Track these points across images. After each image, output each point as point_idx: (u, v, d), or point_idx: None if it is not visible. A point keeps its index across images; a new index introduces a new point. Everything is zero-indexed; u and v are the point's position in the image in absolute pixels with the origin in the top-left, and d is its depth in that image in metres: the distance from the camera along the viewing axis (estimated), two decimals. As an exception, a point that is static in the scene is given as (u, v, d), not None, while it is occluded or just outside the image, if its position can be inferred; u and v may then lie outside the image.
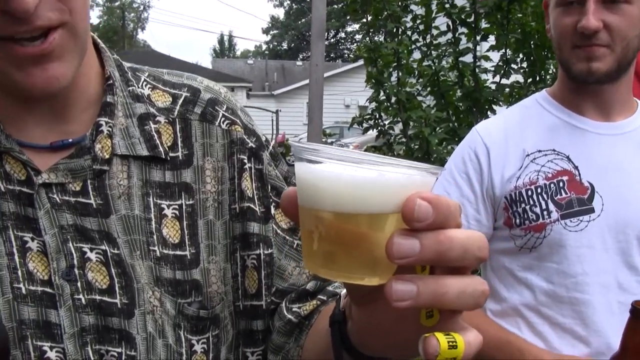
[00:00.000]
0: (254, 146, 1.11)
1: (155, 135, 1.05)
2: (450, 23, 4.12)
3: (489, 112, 4.01)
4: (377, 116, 4.42)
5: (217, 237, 1.06)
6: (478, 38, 4.05)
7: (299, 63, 47.15)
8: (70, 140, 0.99)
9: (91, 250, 0.97)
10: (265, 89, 36.70)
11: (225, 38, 72.61)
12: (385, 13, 4.21)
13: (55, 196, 0.96)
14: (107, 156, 1.00)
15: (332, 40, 58.68)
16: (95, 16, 60.01)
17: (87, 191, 0.98)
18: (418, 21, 4.30)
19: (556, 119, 1.75)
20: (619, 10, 1.61)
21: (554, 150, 1.73)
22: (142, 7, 62.26)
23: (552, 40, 1.75)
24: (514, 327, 1.74)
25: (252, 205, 1.09)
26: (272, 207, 1.11)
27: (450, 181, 1.79)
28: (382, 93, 4.21)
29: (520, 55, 4.24)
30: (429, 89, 4.15)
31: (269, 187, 1.11)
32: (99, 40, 1.07)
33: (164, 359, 1.00)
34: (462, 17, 4.05)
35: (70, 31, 0.91)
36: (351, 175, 0.59)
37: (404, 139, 4.07)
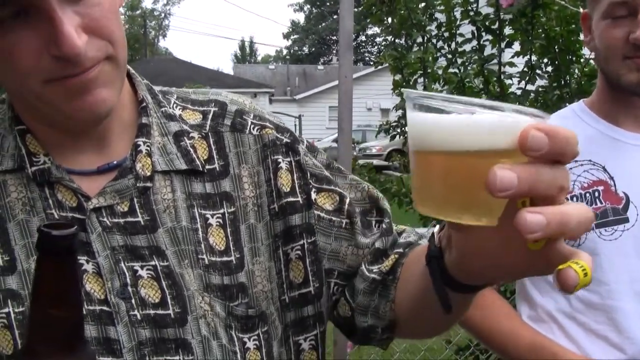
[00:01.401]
0: (288, 141, 1.19)
1: (191, 150, 1.14)
2: (475, 30, 4.16)
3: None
4: (404, 123, 4.47)
5: (260, 238, 1.14)
6: (503, 45, 4.07)
7: (320, 67, 47.32)
8: (115, 162, 1.08)
9: (142, 267, 1.05)
10: (287, 94, 36.81)
11: (246, 44, 72.86)
12: (410, 22, 4.25)
13: (105, 219, 1.05)
14: (148, 173, 1.08)
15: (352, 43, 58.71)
16: (117, 25, 60.72)
17: (135, 209, 1.06)
18: (443, 29, 4.33)
19: (593, 129, 1.80)
20: None
21: (590, 160, 1.78)
22: (163, 15, 62.67)
23: (595, 52, 1.78)
24: (548, 332, 1.79)
25: (290, 199, 1.17)
26: (312, 192, 1.18)
27: None
28: (408, 101, 4.24)
29: (545, 60, 4.26)
30: (455, 95, 4.17)
31: (309, 174, 1.19)
32: (129, 67, 1.15)
33: (221, 359, 1.07)
34: (487, 24, 4.08)
35: (114, 62, 1.00)
36: (465, 117, 0.66)
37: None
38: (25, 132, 1.07)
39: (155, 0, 63.02)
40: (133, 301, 1.04)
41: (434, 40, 4.38)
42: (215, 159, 1.15)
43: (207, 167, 1.14)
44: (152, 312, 1.04)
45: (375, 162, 18.70)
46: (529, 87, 4.13)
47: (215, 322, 1.07)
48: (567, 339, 1.77)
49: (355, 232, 1.19)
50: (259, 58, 73.50)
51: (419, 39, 4.35)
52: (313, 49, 65.26)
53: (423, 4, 4.31)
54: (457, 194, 0.69)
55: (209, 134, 1.16)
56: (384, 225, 1.22)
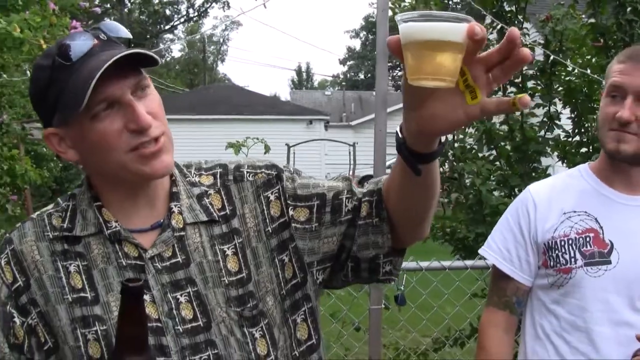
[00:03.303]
0: (275, 173, 1.62)
1: (210, 206, 1.58)
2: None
3: (535, 163, 4.51)
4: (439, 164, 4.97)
5: (261, 254, 1.57)
6: (525, 97, 4.55)
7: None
8: (161, 221, 1.54)
9: (181, 295, 1.50)
10: (342, 120, 37.05)
11: (303, 69, 73.56)
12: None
13: (157, 264, 1.51)
14: (181, 226, 1.54)
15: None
16: (177, 49, 61.98)
17: (175, 253, 1.52)
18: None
19: (591, 188, 2.24)
20: None
21: (585, 212, 2.20)
22: (221, 40, 63.79)
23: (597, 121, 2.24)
24: (542, 349, 2.26)
25: (281, 220, 1.59)
26: (290, 209, 1.59)
27: (507, 228, 2.33)
28: (441, 147, 4.75)
29: (567, 109, 4.72)
30: (484, 142, 4.66)
31: (287, 196, 1.60)
32: None
33: (238, 349, 1.51)
34: (511, 78, 4.58)
35: (167, 137, 1.52)
36: (439, 23, 1.08)
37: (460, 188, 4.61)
38: (101, 207, 1.53)
39: (214, 26, 64.33)
40: (177, 319, 1.49)
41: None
42: (226, 206, 1.58)
43: (221, 213, 1.57)
44: (188, 325, 1.49)
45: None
46: (548, 135, 4.59)
47: (231, 324, 1.51)
48: (556, 355, 2.21)
49: (323, 229, 1.58)
50: (316, 83, 74.27)
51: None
52: (369, 75, 65.46)
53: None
54: (436, 65, 1.09)
55: (220, 188, 1.60)
56: (352, 203, 1.58)
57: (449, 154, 4.66)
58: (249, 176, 1.62)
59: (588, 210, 2.20)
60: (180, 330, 1.48)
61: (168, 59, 58.61)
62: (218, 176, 1.63)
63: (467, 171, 4.39)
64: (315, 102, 42.20)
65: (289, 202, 1.60)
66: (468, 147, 4.65)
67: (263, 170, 1.63)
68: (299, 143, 23.51)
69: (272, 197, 1.60)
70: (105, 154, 1.44)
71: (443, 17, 1.08)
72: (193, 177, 1.62)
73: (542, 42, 4.55)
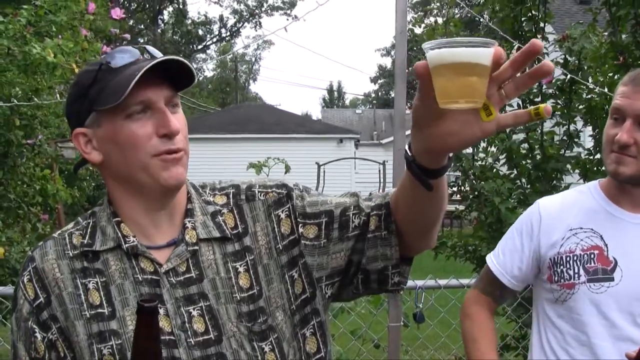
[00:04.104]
0: (286, 192, 1.68)
1: (223, 224, 1.63)
2: (520, 102, 4.70)
3: (554, 181, 4.54)
4: (460, 183, 5.02)
5: (272, 271, 1.62)
6: (545, 115, 4.59)
7: (408, 111, 47.17)
8: (176, 238, 1.60)
9: (194, 309, 1.55)
10: (373, 138, 37.06)
11: (335, 87, 73.63)
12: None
13: (172, 279, 1.56)
14: (194, 241, 1.59)
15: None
16: (209, 69, 62.50)
17: (189, 268, 1.58)
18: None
19: (599, 205, 2.29)
20: None
21: (591, 229, 2.24)
22: (253, 59, 64.07)
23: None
24: None
25: (291, 237, 1.63)
26: (299, 227, 1.64)
27: (510, 236, 2.40)
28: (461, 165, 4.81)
29: (588, 127, 4.75)
30: (503, 160, 4.70)
31: (297, 214, 1.65)
32: None
33: None
34: (530, 97, 4.63)
35: (187, 155, 1.61)
36: (470, 48, 1.13)
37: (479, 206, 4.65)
38: (120, 222, 1.59)
39: (245, 45, 64.64)
40: (189, 332, 1.53)
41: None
42: (239, 225, 1.63)
43: (234, 231, 1.62)
44: (200, 338, 1.53)
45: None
46: (568, 153, 4.63)
47: (241, 338, 1.55)
48: None
49: (331, 245, 1.62)
50: (347, 102, 74.27)
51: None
52: (400, 93, 64.88)
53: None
54: (465, 87, 1.14)
55: (233, 207, 1.65)
56: (359, 219, 1.62)
57: (470, 172, 4.70)
58: (260, 195, 1.68)
59: (594, 228, 2.24)
60: (192, 342, 1.53)
61: (201, 78, 59.16)
62: (231, 196, 1.68)
63: (487, 189, 4.43)
64: (346, 120, 42.33)
65: (298, 219, 1.64)
66: (488, 165, 4.69)
67: (274, 189, 1.68)
68: (330, 162, 23.56)
69: (282, 215, 1.65)
70: (130, 153, 1.51)
71: (472, 43, 1.14)
72: (208, 197, 1.68)
73: (561, 61, 4.59)
